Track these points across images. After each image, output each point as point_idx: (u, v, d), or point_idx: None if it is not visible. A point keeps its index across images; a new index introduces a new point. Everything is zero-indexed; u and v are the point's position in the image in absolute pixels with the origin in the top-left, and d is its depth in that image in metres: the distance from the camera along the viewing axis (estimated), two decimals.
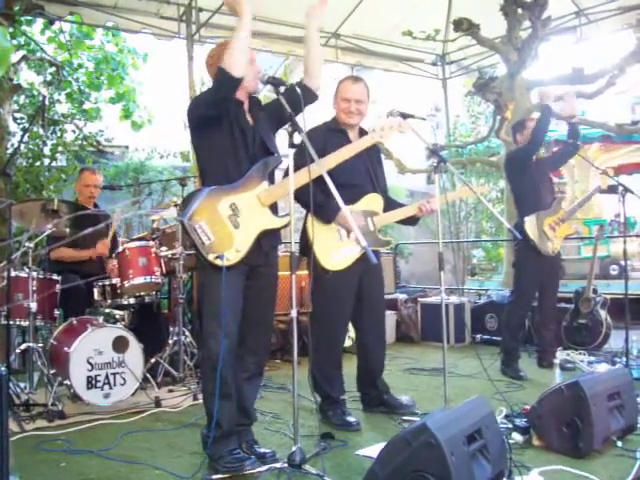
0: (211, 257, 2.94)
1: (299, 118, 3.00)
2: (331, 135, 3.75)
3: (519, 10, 7.07)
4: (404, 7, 7.93)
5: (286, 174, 3.08)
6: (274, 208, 3.17)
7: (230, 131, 3.06)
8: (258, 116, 3.20)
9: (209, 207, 2.97)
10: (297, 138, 2.98)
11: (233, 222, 3.00)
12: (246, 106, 3.18)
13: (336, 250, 3.68)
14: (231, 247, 2.97)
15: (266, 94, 4.35)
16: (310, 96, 3.25)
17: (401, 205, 3.99)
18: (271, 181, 3.16)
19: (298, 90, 3.10)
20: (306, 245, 3.63)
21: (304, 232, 3.70)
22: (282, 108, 3.03)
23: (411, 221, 4.00)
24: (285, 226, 3.15)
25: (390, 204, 3.97)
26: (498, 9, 7.12)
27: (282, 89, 3.09)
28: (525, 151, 5.10)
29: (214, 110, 2.99)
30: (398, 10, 8.00)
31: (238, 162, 3.05)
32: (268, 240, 3.12)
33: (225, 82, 2.94)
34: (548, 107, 5.00)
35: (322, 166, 2.96)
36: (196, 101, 3.15)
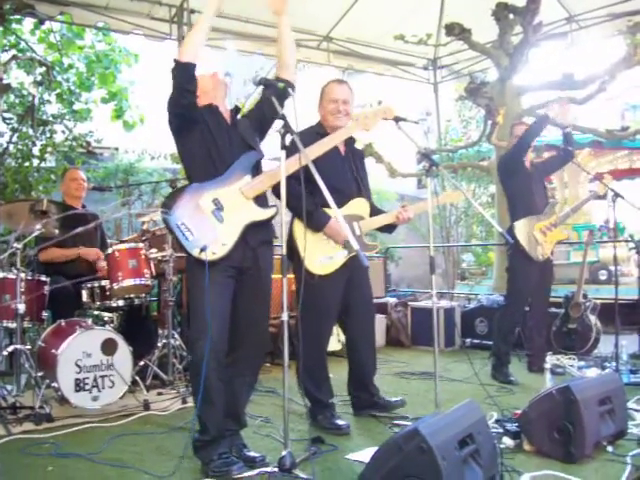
0: (195, 252, 2.93)
1: (291, 120, 2.99)
2: (319, 139, 3.63)
3: (511, 15, 7.11)
4: (396, 11, 7.94)
5: None
6: (261, 201, 3.14)
7: (209, 133, 3.08)
8: (237, 118, 3.23)
9: (191, 203, 2.99)
10: (289, 140, 2.96)
11: (217, 217, 3.00)
12: (224, 112, 3.19)
13: (323, 254, 3.67)
14: (216, 241, 2.96)
15: (255, 97, 4.33)
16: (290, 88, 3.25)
17: (381, 212, 4.00)
18: (255, 176, 3.14)
19: (290, 91, 3.12)
20: (292, 249, 3.62)
21: (290, 236, 3.68)
22: (268, 109, 3.14)
23: (388, 229, 4.01)
24: (272, 218, 3.14)
25: (373, 210, 3.97)
26: (490, 14, 7.15)
27: (274, 90, 3.08)
28: (512, 153, 5.14)
29: (179, 106, 3.02)
30: (390, 14, 8.00)
31: (221, 161, 3.06)
32: (255, 235, 3.10)
33: (176, 68, 2.99)
34: (546, 117, 5.03)
35: (307, 156, 2.95)
36: (166, 106, 3.13)
